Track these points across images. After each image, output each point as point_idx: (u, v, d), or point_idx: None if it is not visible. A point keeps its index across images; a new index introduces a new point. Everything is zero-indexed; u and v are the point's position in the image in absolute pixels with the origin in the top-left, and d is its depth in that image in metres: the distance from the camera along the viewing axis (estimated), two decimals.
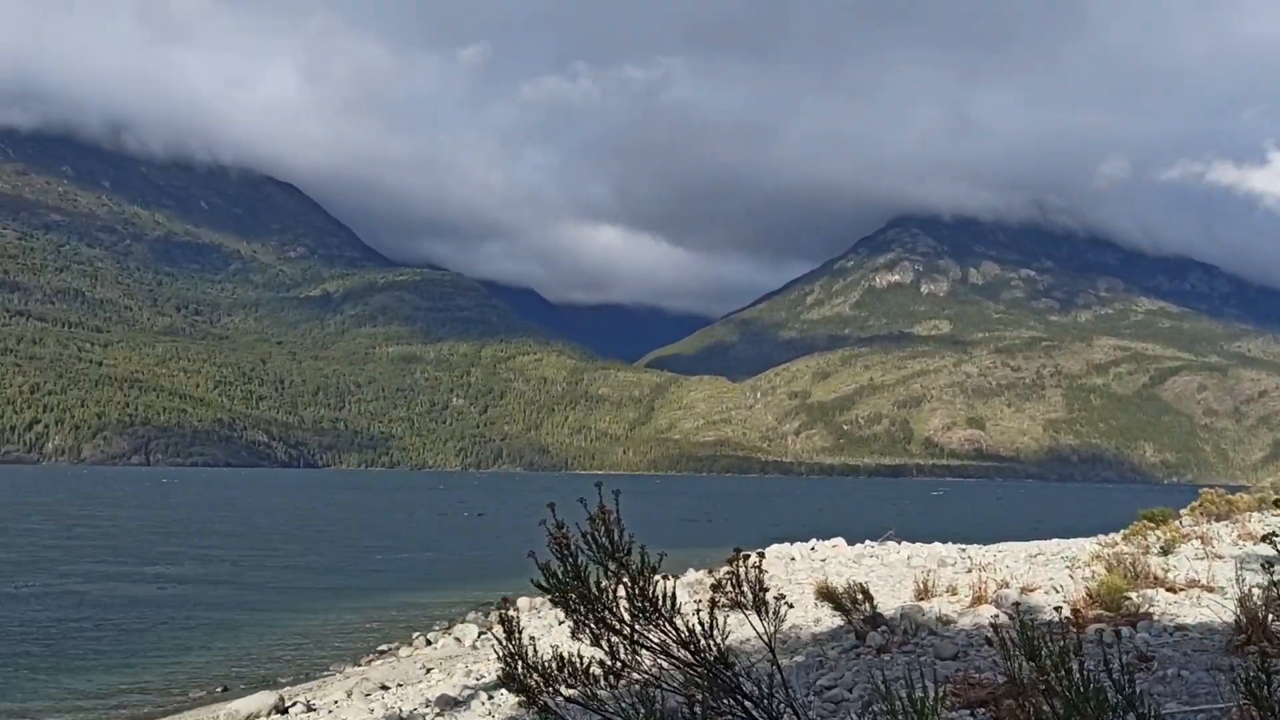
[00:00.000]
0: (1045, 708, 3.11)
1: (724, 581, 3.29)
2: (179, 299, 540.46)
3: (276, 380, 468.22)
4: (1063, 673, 3.02)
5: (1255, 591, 14.50)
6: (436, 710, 12.46)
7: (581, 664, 3.34)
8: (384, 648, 21.34)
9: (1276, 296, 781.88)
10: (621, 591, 3.22)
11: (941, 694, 3.51)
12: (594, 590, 3.08)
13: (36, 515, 69.24)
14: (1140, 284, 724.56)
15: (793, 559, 29.51)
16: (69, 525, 60.27)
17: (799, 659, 12.98)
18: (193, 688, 17.77)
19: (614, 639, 3.13)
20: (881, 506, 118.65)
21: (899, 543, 32.90)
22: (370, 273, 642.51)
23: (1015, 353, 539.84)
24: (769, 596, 3.23)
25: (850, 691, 11.05)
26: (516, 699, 9.95)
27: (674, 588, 3.17)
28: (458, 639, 20.77)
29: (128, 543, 49.54)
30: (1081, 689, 2.91)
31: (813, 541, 35.33)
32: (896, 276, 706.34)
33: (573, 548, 3.15)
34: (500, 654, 3.34)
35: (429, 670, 16.99)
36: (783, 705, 3.23)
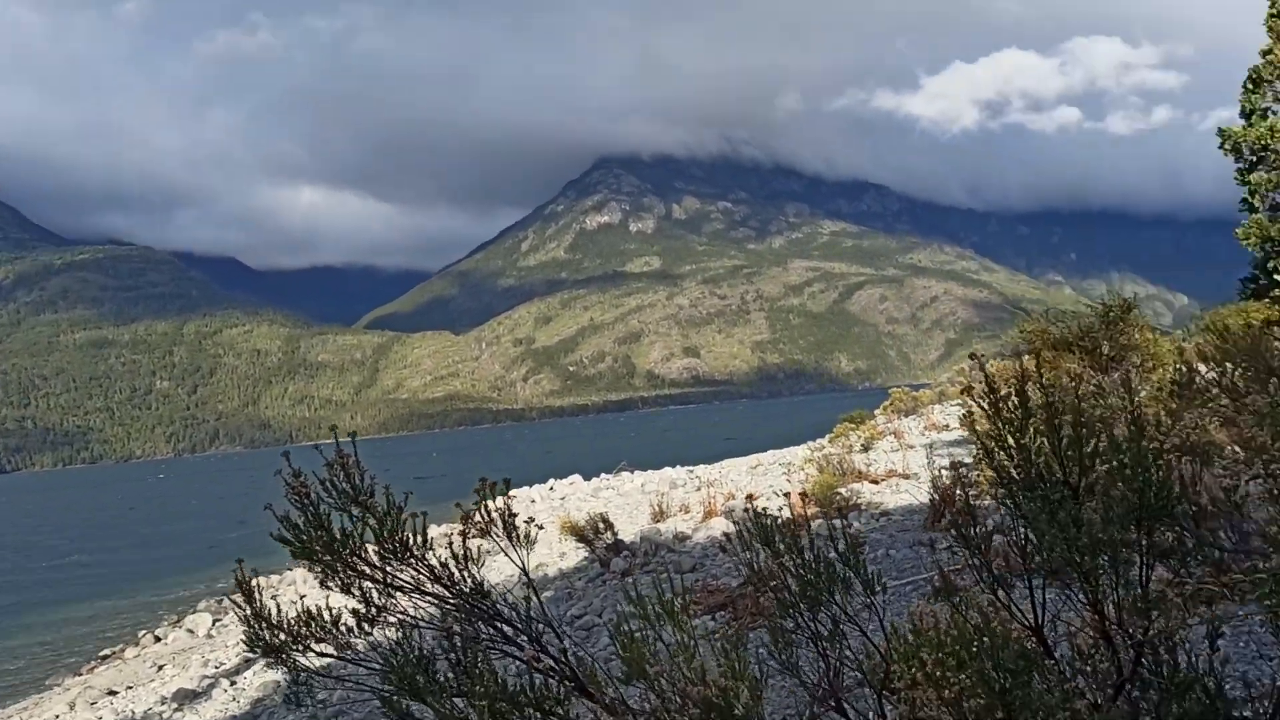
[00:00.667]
0: (783, 593, 3.34)
1: (472, 513, 3.29)
2: None
3: None
4: (794, 553, 3.23)
5: (943, 473, 16.15)
6: (174, 706, 11.73)
7: (331, 615, 3.25)
8: (107, 652, 19.74)
9: (939, 210, 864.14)
10: (369, 535, 3.14)
11: (683, 603, 3.69)
12: (338, 535, 2.99)
13: None
14: (823, 208, 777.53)
15: (533, 501, 29.84)
16: None
17: (548, 594, 13.22)
18: None
19: (365, 584, 3.05)
20: (613, 441, 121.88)
21: (632, 472, 33.99)
22: (44, 254, 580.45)
23: (721, 282, 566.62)
24: (518, 521, 3.26)
25: (600, 616, 11.41)
26: (261, 680, 9.53)
27: (424, 522, 3.13)
28: (190, 630, 19.56)
29: None
30: (813, 565, 3.13)
31: (551, 481, 35.87)
32: (605, 217, 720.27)
33: (313, 496, 3.03)
34: (239, 616, 3.18)
35: (161, 667, 15.92)
36: (542, 626, 3.27)
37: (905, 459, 19.44)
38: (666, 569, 13.02)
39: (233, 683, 12.31)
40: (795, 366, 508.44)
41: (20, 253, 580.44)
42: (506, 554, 3.23)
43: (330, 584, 3.08)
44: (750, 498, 18.59)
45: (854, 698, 3.38)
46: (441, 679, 2.67)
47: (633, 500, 24.32)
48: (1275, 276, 16.69)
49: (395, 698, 2.66)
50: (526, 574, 3.24)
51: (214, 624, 19.80)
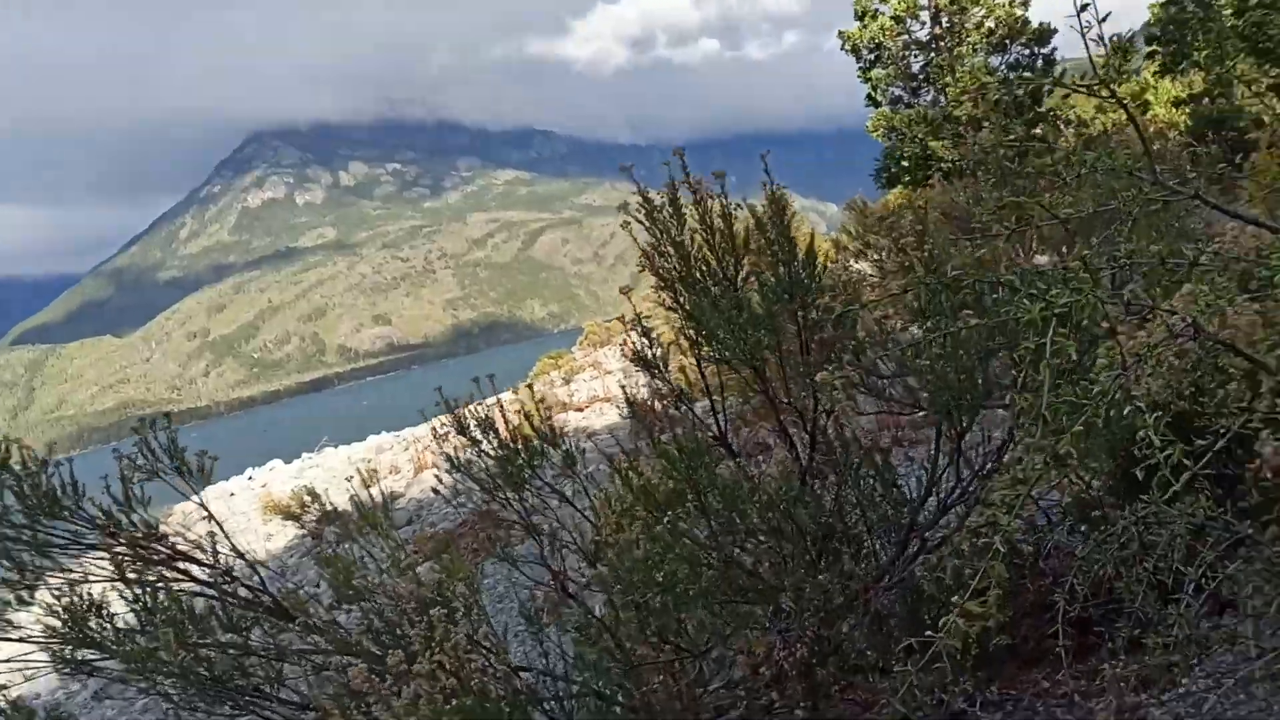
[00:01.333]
0: (490, 482, 3.31)
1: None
2: None
3: None
4: (496, 442, 3.20)
5: (640, 390, 16.53)
6: None
7: None
8: None
9: (606, 149, 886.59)
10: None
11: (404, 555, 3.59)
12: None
13: None
14: (494, 158, 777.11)
15: (232, 494, 28.10)
16: None
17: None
18: None
19: (13, 548, 2.72)
20: (311, 421, 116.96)
21: (335, 447, 32.78)
22: None
23: (401, 244, 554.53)
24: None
25: (318, 588, 10.98)
26: None
27: (72, 473, 2.83)
28: None
29: None
30: (512, 446, 3.11)
31: (249, 472, 33.91)
32: (269, 193, 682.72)
33: None
34: None
35: None
36: (234, 562, 3.07)
37: (605, 384, 19.99)
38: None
39: None
40: (489, 319, 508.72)
41: None
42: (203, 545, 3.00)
43: None
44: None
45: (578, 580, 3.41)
46: (120, 624, 2.43)
47: (341, 472, 23.52)
48: (902, 163, 18.43)
49: (67, 649, 2.39)
50: (206, 508, 3.02)
51: None
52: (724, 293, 2.08)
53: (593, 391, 19.42)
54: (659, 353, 2.39)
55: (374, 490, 13.79)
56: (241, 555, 2.82)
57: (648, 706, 2.73)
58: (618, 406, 16.81)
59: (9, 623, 2.77)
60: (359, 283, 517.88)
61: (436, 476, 14.61)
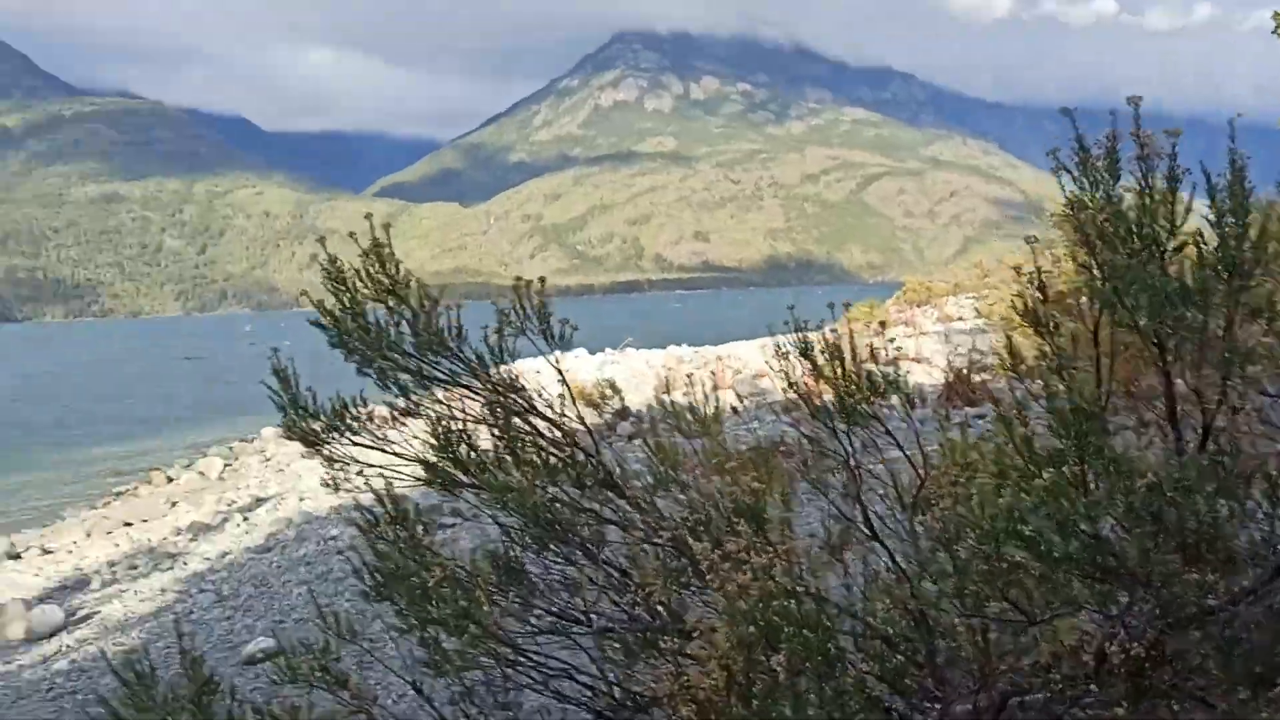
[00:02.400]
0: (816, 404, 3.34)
1: (508, 313, 3.28)
2: None
3: None
4: (838, 362, 3.22)
5: (956, 359, 16.18)
6: (189, 536, 12.03)
7: (365, 408, 3.26)
8: (122, 489, 20.17)
9: (965, 101, 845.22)
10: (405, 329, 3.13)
11: (715, 411, 3.70)
12: (375, 324, 2.97)
13: None
14: (847, 94, 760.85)
15: (538, 371, 29.94)
16: None
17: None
18: None
19: (401, 376, 3.04)
20: (619, 321, 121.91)
21: (637, 349, 34.04)
22: (54, 103, 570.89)
23: (735, 166, 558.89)
24: (553, 320, 3.25)
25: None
26: (273, 517, 9.70)
27: (459, 317, 3.12)
28: (201, 473, 19.95)
29: None
30: (854, 376, 3.12)
31: (555, 354, 35.93)
32: (621, 94, 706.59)
33: (349, 284, 3.01)
34: (277, 403, 3.18)
35: (174, 504, 16.29)
36: (575, 426, 3.28)
37: (919, 344, 19.45)
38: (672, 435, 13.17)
39: (245, 518, 12.60)
40: (806, 256, 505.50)
41: (30, 101, 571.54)
42: (543, 354, 3.22)
43: (365, 371, 3.08)
44: (757, 376, 18.72)
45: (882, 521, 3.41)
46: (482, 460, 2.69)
47: (639, 375, 24.43)
48: None
49: (437, 478, 2.68)
50: (562, 376, 3.23)
51: (224, 468, 20.18)
52: (1151, 257, 1.96)
53: (901, 349, 18.94)
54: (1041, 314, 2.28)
55: (668, 399, 14.16)
56: (584, 423, 3.03)
57: (932, 663, 2.71)
58: (929, 369, 16.36)
59: (386, 438, 3.11)
60: (687, 196, 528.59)
61: (737, 395, 14.90)
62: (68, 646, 8.07)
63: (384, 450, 3.09)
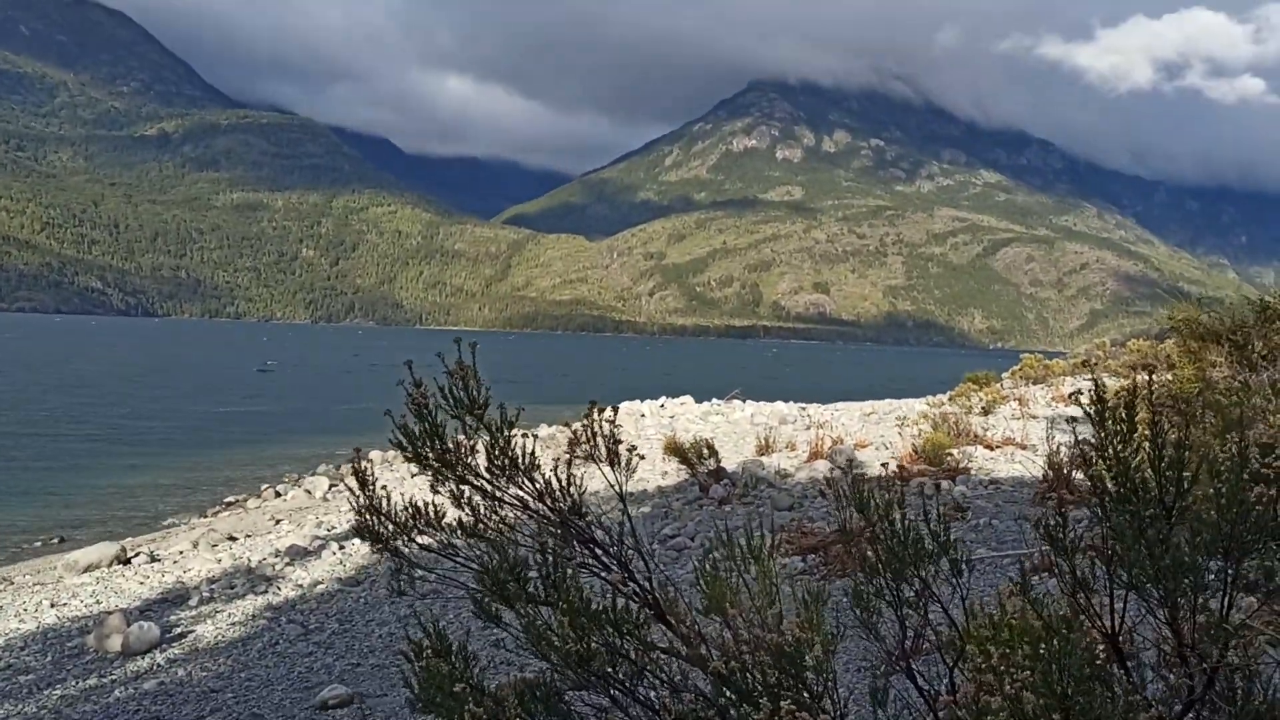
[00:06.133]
0: (870, 553, 3.39)
1: (579, 434, 3.40)
2: (1, 133, 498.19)
3: (110, 224, 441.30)
4: (886, 522, 3.27)
5: (1062, 449, 15.70)
6: (286, 560, 12.49)
7: (436, 513, 3.42)
8: (231, 499, 21.04)
9: (1102, 173, 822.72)
10: (479, 447, 3.29)
11: (776, 541, 3.74)
12: (451, 447, 3.14)
13: None
14: (981, 157, 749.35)
15: (643, 415, 30.18)
16: None
17: (645, 509, 13.51)
18: (27, 539, 17.24)
19: (473, 496, 3.20)
20: (729, 367, 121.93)
21: (744, 401, 34.00)
22: (212, 113, 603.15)
23: (861, 220, 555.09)
24: (621, 449, 3.36)
25: (693, 540, 11.62)
26: (366, 550, 10.01)
27: (533, 445, 3.26)
28: (308, 491, 20.66)
29: None
30: (901, 537, 3.17)
31: (662, 399, 36.15)
32: (753, 141, 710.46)
33: (430, 405, 3.19)
34: (353, 505, 3.39)
35: (278, 521, 16.91)
36: (630, 551, 3.39)
37: (1025, 428, 18.98)
38: (764, 503, 13.13)
39: (341, 547, 13.02)
40: (926, 317, 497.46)
41: (190, 109, 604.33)
42: (605, 478, 3.34)
43: (439, 489, 3.25)
44: (859, 446, 18.53)
45: (927, 663, 3.43)
46: (531, 589, 2.82)
47: (740, 429, 24.41)
48: None
49: (486, 600, 2.82)
50: (624, 502, 3.35)
51: (329, 488, 20.85)
52: (1153, 520, 1.97)
53: (1010, 432, 18.50)
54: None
55: (766, 460, 14.17)
56: (641, 554, 3.14)
57: None
58: (1033, 457, 15.97)
59: (451, 546, 3.26)
60: (810, 247, 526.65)
61: (826, 480, 14.78)
62: (159, 666, 8.46)
63: (450, 558, 3.25)
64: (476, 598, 2.89)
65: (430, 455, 3.01)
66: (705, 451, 16.02)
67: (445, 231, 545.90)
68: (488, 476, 3.11)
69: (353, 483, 3.41)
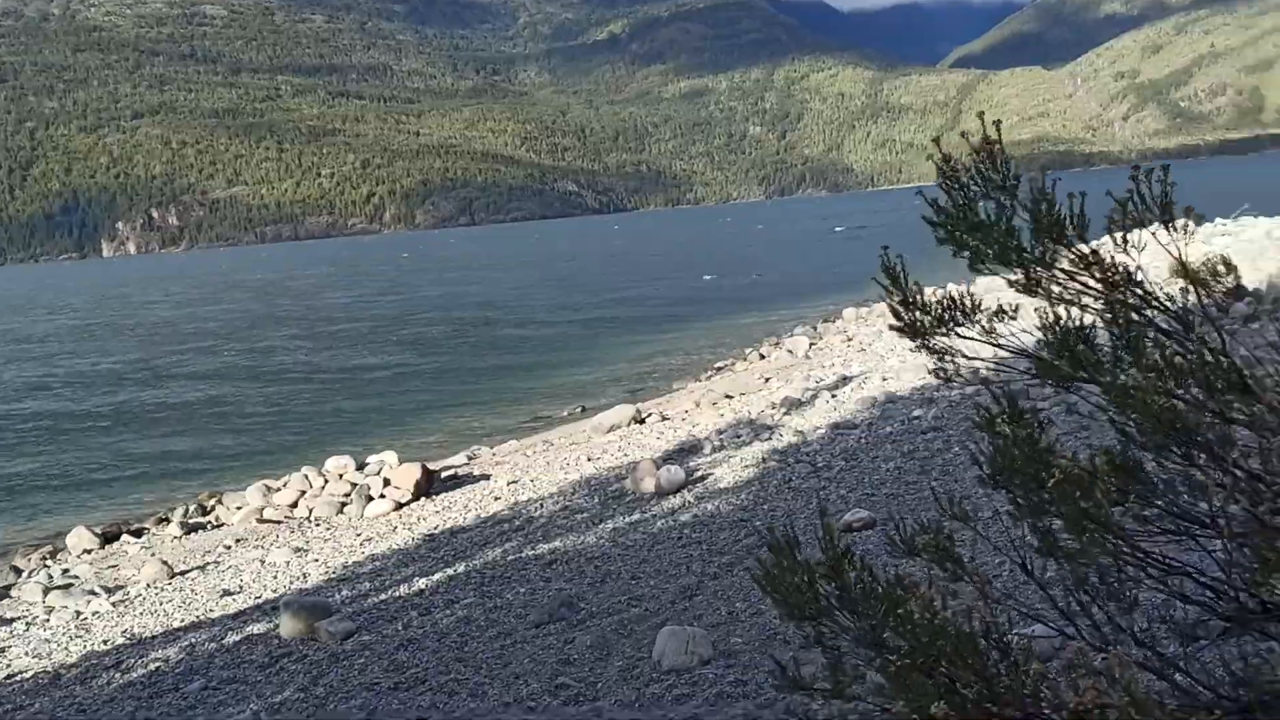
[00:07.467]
0: None
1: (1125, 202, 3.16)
2: (476, 61, 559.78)
3: (578, 130, 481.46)
4: None
5: None
6: (783, 410, 13.14)
7: (973, 300, 3.35)
8: (720, 364, 22.54)
9: None
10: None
11: None
12: (986, 217, 3.04)
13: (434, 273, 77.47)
14: None
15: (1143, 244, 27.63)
16: (466, 282, 67.04)
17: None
18: (555, 409, 19.93)
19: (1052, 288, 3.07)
20: (1230, 186, 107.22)
21: (1255, 217, 29.89)
22: (653, 6, 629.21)
23: None
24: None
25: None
26: (859, 396, 10.22)
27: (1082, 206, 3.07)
28: (790, 351, 21.54)
29: (503, 292, 54.89)
30: None
31: (1154, 225, 32.76)
32: None
33: (962, 180, 3.09)
34: (887, 302, 3.38)
35: (767, 380, 17.82)
36: (1197, 320, 3.10)
37: None
38: None
39: (833, 395, 13.46)
40: None
41: (632, 6, 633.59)
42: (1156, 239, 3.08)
43: (978, 266, 3.16)
44: None
45: None
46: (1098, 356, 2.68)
47: (1256, 247, 21.50)
48: None
49: (1053, 363, 2.72)
50: (1184, 265, 3.07)
51: (810, 347, 21.56)
52: None
53: None
54: None
55: None
56: (1210, 320, 2.86)
57: None
58: None
59: (995, 330, 3.19)
60: None
61: None
62: (689, 502, 9.38)
63: (993, 344, 3.18)
64: (1041, 364, 2.80)
65: (964, 229, 2.92)
66: (1221, 268, 14.37)
67: (889, 87, 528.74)
68: (1030, 249, 2.97)
69: (885, 279, 3.42)
